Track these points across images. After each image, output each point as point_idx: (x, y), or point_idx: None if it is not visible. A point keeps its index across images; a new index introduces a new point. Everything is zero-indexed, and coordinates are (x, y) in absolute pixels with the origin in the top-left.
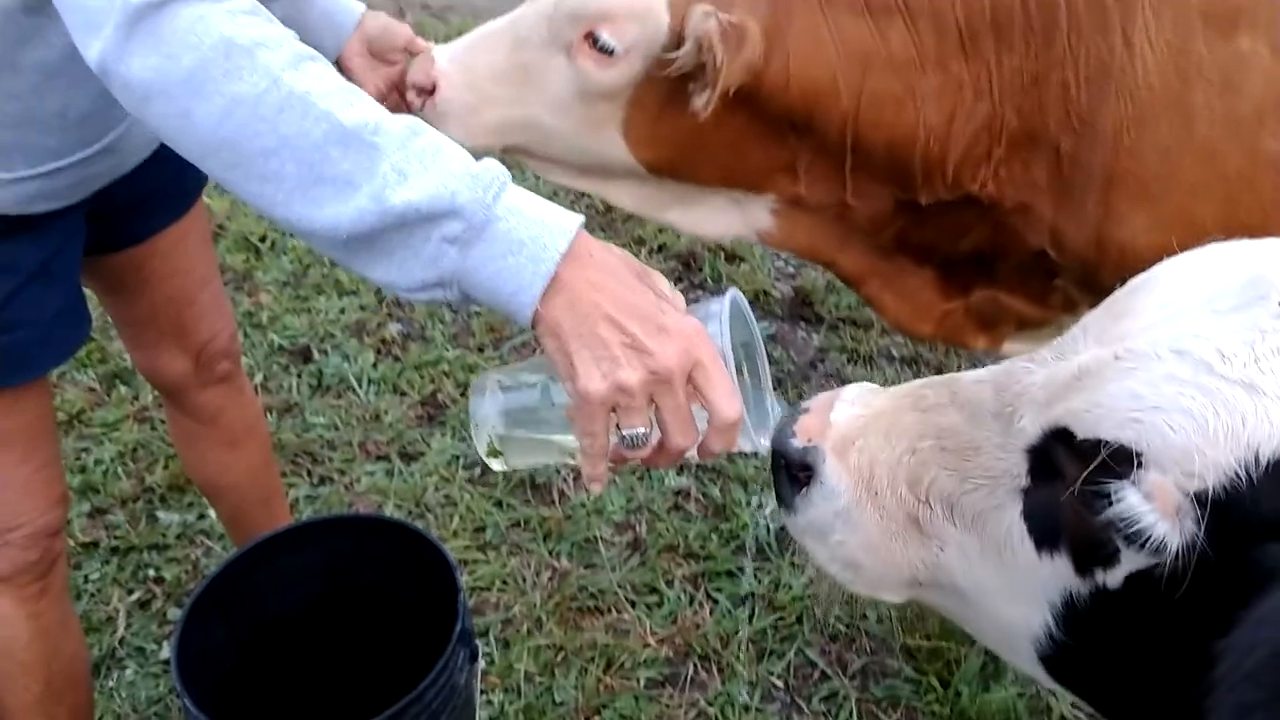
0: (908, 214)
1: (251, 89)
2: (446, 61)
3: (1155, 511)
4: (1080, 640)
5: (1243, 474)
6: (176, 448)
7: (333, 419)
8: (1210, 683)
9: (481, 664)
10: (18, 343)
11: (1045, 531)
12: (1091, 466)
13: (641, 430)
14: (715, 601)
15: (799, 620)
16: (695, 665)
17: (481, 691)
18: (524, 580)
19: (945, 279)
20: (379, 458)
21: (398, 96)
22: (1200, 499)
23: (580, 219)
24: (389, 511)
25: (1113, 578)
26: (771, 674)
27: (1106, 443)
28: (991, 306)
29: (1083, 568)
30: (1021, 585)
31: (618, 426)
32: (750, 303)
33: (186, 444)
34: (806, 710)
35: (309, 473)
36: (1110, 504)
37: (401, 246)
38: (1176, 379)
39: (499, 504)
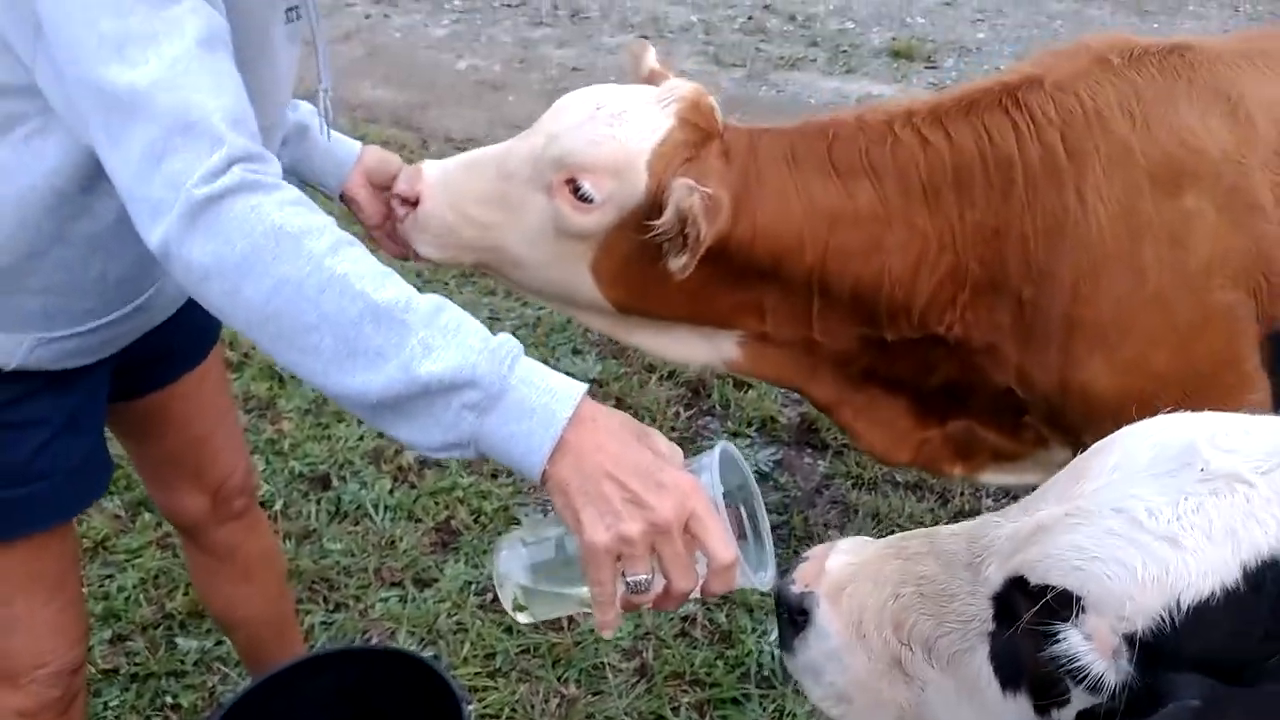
0: (875, 349)
1: (297, 271)
2: (434, 177)
3: (1094, 651)
4: None
5: (1167, 618)
6: (193, 581)
7: (349, 545)
8: None
9: None
10: (45, 491)
11: (1009, 672)
12: (1036, 607)
13: (644, 576)
14: None
15: None
16: None
17: None
18: (533, 708)
19: (920, 408)
20: (393, 584)
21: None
22: (1131, 640)
23: (584, 387)
24: (402, 638)
25: (1066, 715)
26: None
27: (1052, 587)
28: (967, 436)
29: (1040, 707)
30: None
31: (623, 574)
32: (758, 429)
33: (203, 578)
34: None
35: (325, 599)
36: (1054, 644)
37: (424, 412)
38: (1113, 533)
39: (509, 630)
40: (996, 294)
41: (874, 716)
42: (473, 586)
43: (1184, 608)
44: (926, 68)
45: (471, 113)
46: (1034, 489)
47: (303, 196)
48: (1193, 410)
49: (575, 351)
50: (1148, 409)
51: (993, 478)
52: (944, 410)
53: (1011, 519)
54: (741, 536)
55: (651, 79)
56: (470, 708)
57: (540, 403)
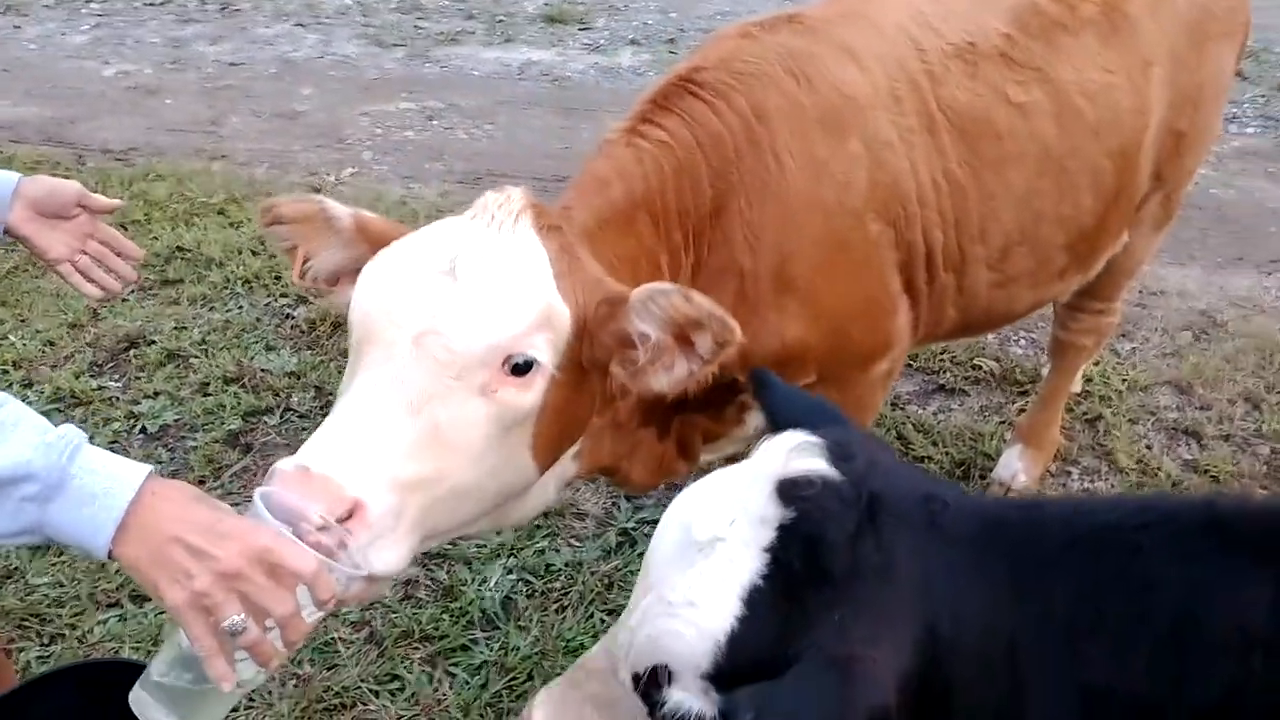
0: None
1: None
2: (350, 471)
3: (692, 698)
4: None
5: (719, 655)
6: None
7: (57, 577)
8: None
9: None
10: None
11: None
12: (642, 683)
13: (238, 618)
14: (453, 676)
15: (530, 677)
16: None
17: None
18: (270, 693)
19: (659, 429)
20: (110, 605)
21: (95, 245)
22: (708, 678)
23: (149, 469)
24: (127, 656)
25: None
26: None
27: (649, 668)
28: (687, 430)
29: None
30: None
31: (222, 624)
32: None
33: None
34: None
35: (38, 633)
36: (665, 706)
37: None
38: (661, 614)
39: None
40: (723, 275)
41: None
42: None
43: (722, 644)
44: (580, 29)
45: (127, 120)
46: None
47: None
48: (872, 338)
49: (269, 348)
50: (840, 349)
51: (708, 457)
52: (668, 420)
53: (624, 625)
54: None
55: (364, 231)
56: None
57: (102, 488)
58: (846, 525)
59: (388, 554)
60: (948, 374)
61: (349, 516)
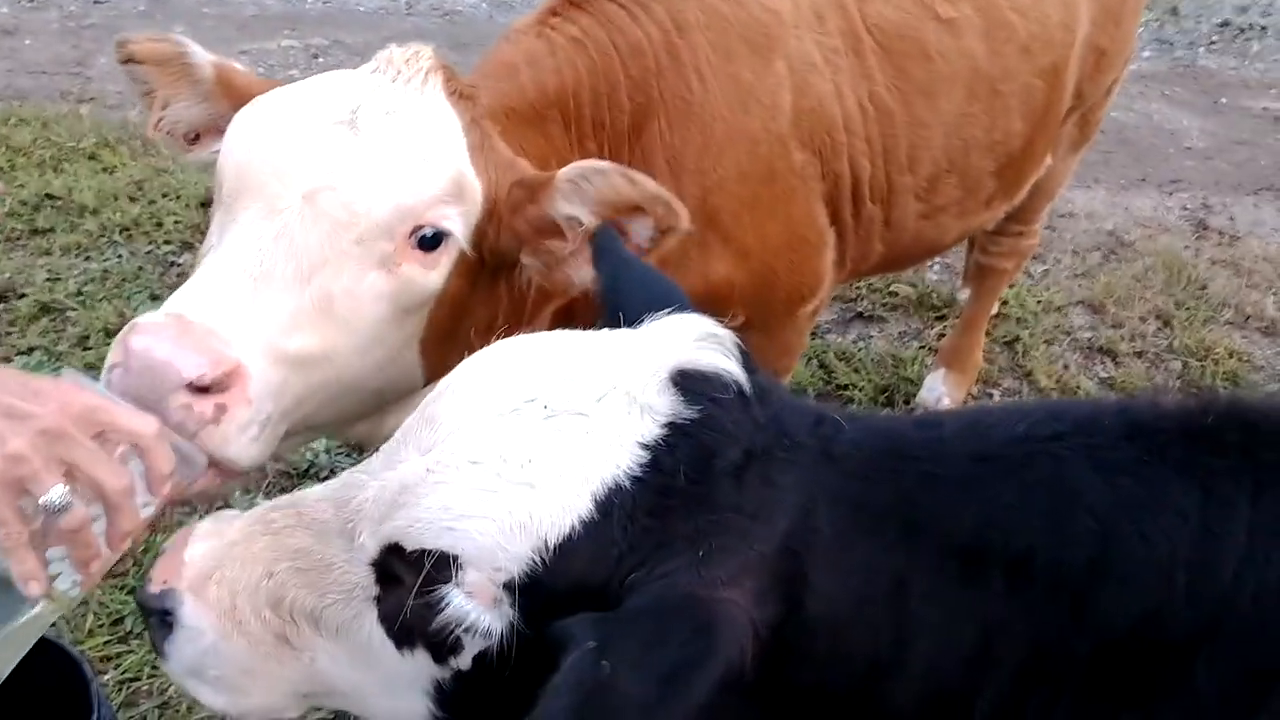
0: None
1: None
2: (234, 329)
3: (478, 606)
4: (462, 711)
5: (539, 560)
6: None
7: None
8: None
9: None
10: None
11: (401, 633)
12: (398, 565)
13: (58, 491)
14: None
15: None
16: None
17: None
18: None
19: None
20: None
21: None
22: (510, 587)
23: None
24: None
25: (463, 661)
26: None
27: (429, 552)
28: None
29: (439, 658)
30: (394, 680)
31: (39, 505)
32: None
33: None
34: None
35: None
36: (442, 609)
37: None
38: (475, 487)
39: (132, 591)
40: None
41: (271, 699)
42: None
43: (551, 547)
44: None
45: None
46: None
47: None
48: (799, 276)
49: (154, 297)
50: (766, 289)
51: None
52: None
53: (376, 476)
54: None
55: (226, 85)
56: (106, 677)
57: None
58: (744, 445)
59: (253, 444)
60: (865, 301)
61: (223, 386)
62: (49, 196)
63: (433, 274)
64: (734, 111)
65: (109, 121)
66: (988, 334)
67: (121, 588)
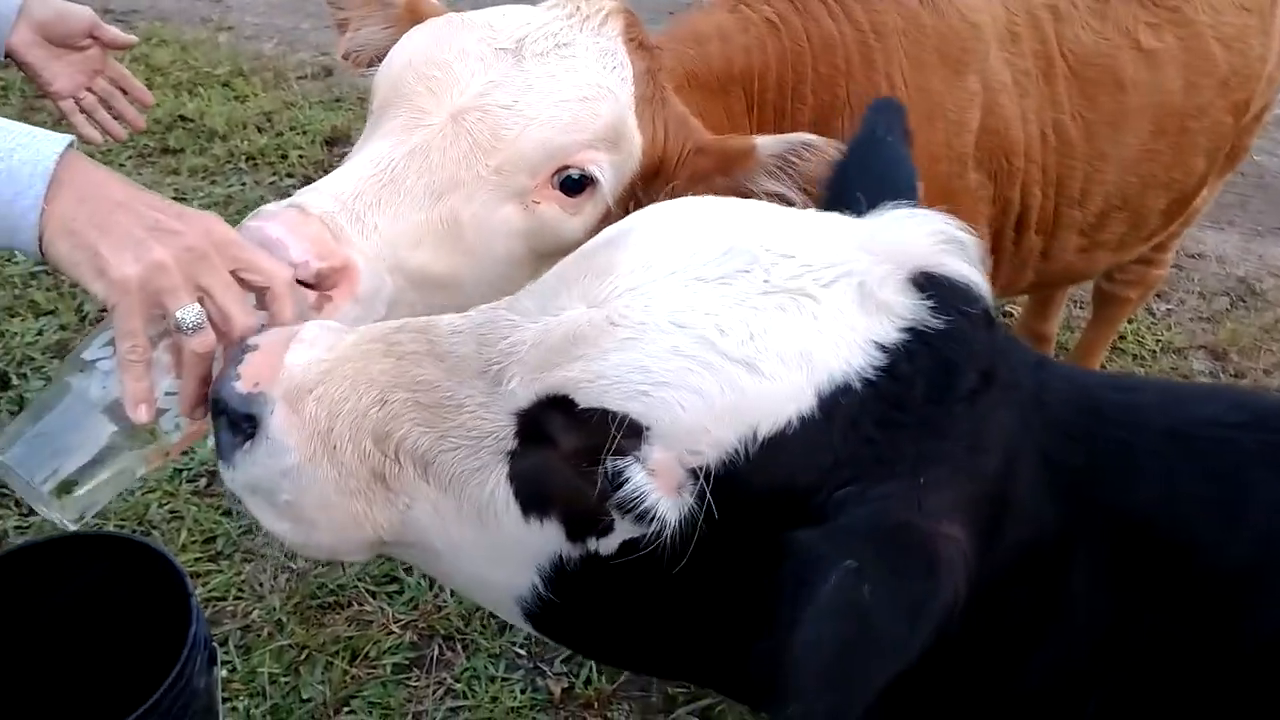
0: None
1: None
2: (353, 227)
3: (658, 490)
4: (572, 600)
5: (741, 451)
6: None
7: None
8: (765, 660)
9: (223, 671)
10: None
11: (534, 498)
12: (612, 439)
13: (195, 310)
14: None
15: None
16: (440, 646)
17: (226, 699)
18: (261, 585)
19: None
20: None
21: (103, 83)
22: (701, 474)
23: (71, 137)
24: (112, 531)
25: (606, 545)
26: (514, 644)
27: (614, 414)
28: None
29: (575, 535)
30: (506, 548)
31: (172, 319)
32: None
33: None
34: (549, 673)
35: (17, 503)
36: (619, 482)
37: None
38: (681, 353)
39: (228, 513)
40: None
41: (340, 540)
42: (184, 474)
43: (760, 439)
44: None
45: None
46: None
47: None
48: None
49: None
50: None
51: None
52: None
53: (529, 318)
54: None
55: (414, 10)
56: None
57: (20, 142)
58: (984, 370)
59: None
60: None
61: (332, 282)
62: (182, 118)
63: (574, 220)
64: (918, 124)
65: (244, 51)
66: (1102, 368)
67: (216, 507)
